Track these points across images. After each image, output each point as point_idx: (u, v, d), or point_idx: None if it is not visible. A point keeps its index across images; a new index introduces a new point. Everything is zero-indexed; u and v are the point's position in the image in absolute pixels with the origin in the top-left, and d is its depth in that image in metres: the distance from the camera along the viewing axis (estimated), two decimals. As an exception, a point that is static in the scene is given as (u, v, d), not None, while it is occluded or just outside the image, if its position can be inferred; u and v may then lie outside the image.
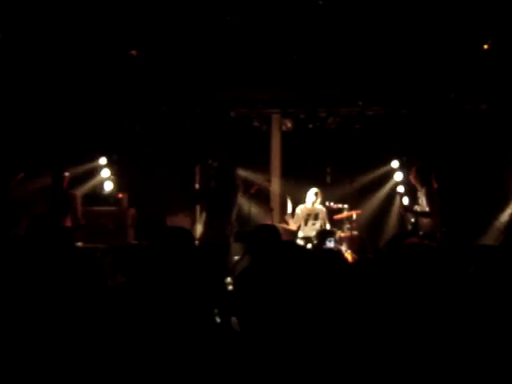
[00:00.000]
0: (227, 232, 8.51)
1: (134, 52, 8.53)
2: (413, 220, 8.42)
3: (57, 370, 2.73)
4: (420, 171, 8.60)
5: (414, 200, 9.72)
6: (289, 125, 13.03)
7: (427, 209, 8.32)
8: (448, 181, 8.63)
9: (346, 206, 11.04)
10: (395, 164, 12.48)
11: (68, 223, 8.58)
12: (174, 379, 3.17)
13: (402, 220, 11.78)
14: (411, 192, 11.39)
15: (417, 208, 8.52)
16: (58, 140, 11.51)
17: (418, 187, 8.68)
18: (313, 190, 11.06)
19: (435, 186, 8.41)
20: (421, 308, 2.62)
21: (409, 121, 12.46)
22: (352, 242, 10.71)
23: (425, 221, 8.26)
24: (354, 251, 10.24)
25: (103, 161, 12.54)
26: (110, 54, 12.39)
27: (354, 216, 10.91)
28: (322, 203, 11.19)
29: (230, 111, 12.93)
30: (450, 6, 11.56)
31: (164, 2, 10.73)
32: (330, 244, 10.06)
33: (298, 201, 11.21)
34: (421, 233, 8.00)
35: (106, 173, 12.53)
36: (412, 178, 8.86)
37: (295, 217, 11.07)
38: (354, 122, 12.73)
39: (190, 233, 3.95)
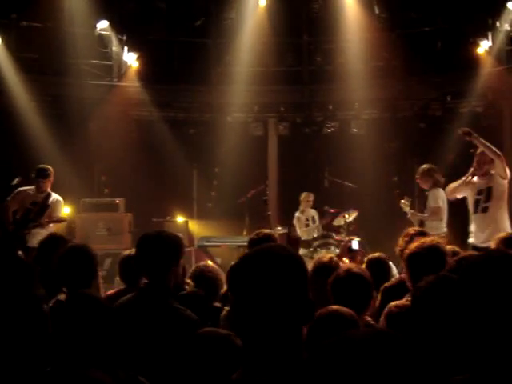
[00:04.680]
0: None
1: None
2: (416, 220, 8.26)
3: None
4: (427, 172, 8.30)
5: (413, 203, 9.67)
6: (285, 129, 13.05)
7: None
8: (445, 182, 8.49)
9: (343, 209, 11.03)
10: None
11: None
12: None
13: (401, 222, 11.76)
14: (409, 195, 11.40)
15: (425, 212, 8.26)
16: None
17: (427, 188, 8.33)
18: (302, 195, 11.12)
19: (442, 183, 8.19)
20: None
21: (405, 124, 12.49)
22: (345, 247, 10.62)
23: (433, 222, 8.12)
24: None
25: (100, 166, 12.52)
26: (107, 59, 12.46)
27: (351, 218, 10.87)
28: (320, 207, 11.20)
29: (227, 116, 12.94)
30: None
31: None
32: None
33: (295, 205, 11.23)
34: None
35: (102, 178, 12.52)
36: (419, 180, 8.46)
37: (298, 223, 11.10)
38: (350, 125, 12.76)
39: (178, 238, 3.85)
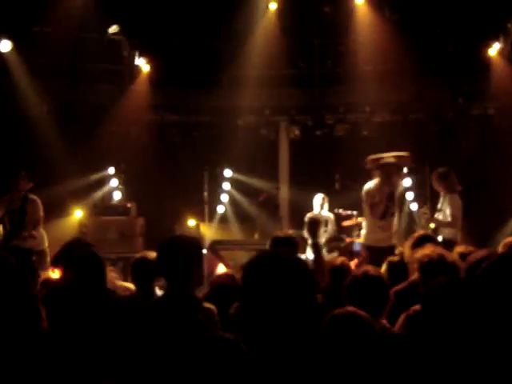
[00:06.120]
0: None
1: None
2: (432, 226, 8.19)
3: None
4: (443, 176, 8.23)
5: (423, 206, 9.65)
6: (296, 132, 13.04)
7: (449, 218, 8.03)
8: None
9: (355, 212, 10.99)
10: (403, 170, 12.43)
11: None
12: None
13: (411, 225, 11.73)
14: (421, 198, 11.38)
15: (438, 216, 8.22)
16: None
17: (442, 194, 8.29)
18: (319, 196, 11.04)
19: (459, 189, 8.14)
20: None
21: (417, 126, 12.44)
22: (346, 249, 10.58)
23: (446, 228, 8.07)
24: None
25: (111, 170, 12.55)
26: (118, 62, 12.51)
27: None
28: (331, 210, 11.16)
29: (238, 119, 12.95)
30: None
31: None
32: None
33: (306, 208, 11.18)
34: (440, 239, 7.73)
35: (114, 182, 12.55)
36: (435, 184, 8.41)
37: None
38: (361, 128, 12.73)
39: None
